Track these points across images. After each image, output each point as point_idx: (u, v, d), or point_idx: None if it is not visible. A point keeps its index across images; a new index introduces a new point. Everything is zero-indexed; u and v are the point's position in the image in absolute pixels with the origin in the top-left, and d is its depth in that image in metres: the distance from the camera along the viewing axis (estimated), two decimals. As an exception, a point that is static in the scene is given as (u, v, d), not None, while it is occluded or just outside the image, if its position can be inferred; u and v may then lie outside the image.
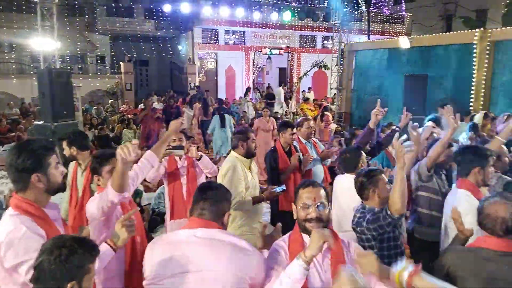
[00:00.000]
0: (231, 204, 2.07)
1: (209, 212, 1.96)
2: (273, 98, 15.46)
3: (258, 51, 20.34)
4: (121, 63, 18.87)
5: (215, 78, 20.02)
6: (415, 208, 3.46)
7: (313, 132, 5.24)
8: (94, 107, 14.83)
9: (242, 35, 20.03)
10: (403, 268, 1.72)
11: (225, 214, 2.02)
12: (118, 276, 2.40)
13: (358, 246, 2.13)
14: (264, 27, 19.56)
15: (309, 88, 18.52)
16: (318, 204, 1.99)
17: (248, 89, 16.83)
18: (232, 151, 3.64)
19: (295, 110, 14.64)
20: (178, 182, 3.81)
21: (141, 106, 14.47)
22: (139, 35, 19.74)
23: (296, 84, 16.64)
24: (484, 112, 7.21)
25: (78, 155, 3.61)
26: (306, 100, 15.28)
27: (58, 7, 10.16)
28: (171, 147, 3.40)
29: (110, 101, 17.03)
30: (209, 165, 3.88)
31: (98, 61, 20.63)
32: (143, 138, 9.31)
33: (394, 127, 4.36)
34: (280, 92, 16.43)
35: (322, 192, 2.06)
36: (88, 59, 20.14)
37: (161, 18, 19.02)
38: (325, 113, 11.25)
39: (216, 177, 3.76)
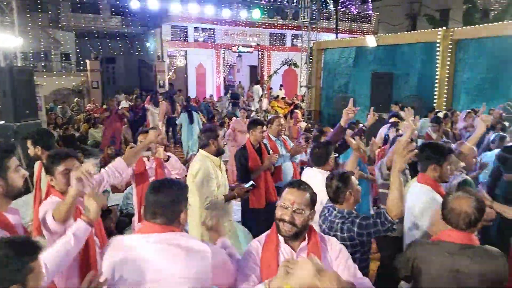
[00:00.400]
0: (187, 200, 1.94)
1: (163, 215, 1.82)
2: (237, 98, 15.45)
3: (229, 49, 20.29)
4: (87, 60, 18.36)
5: (185, 76, 19.82)
6: (379, 205, 3.57)
7: (283, 129, 5.29)
8: (59, 106, 14.34)
9: (212, 32, 19.90)
10: None
11: (181, 214, 1.87)
12: (79, 276, 2.32)
13: (336, 241, 2.08)
14: (234, 25, 19.52)
15: (281, 85, 18.63)
16: (295, 208, 1.90)
17: (280, 86, 16.84)
18: (201, 150, 3.58)
19: (266, 108, 14.70)
20: (147, 184, 3.73)
21: (89, 105, 14.13)
22: (105, 32, 19.27)
23: (266, 82, 16.69)
24: (444, 112, 7.46)
25: (43, 154, 3.48)
26: (276, 97, 15.37)
27: (18, 2, 9.76)
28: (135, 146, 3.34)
29: (75, 99, 16.55)
30: (177, 165, 3.83)
31: (63, 58, 19.97)
32: (106, 140, 8.98)
33: (361, 126, 4.45)
34: (258, 90, 16.50)
35: (306, 196, 1.94)
36: (53, 56, 19.44)
37: (128, 15, 18.63)
38: (295, 111, 11.37)
39: (185, 177, 3.73)
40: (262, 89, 16.74)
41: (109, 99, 9.32)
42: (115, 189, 6.12)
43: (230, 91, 16.43)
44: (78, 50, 19.91)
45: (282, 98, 16.00)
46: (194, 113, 9.48)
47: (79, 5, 18.39)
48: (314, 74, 13.92)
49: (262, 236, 2.05)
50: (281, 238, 1.95)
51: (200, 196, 3.38)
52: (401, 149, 2.32)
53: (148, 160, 3.78)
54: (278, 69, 14.91)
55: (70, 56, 19.98)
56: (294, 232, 1.90)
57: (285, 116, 11.98)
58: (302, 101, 14.71)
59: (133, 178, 3.78)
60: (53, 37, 18.85)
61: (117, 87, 19.77)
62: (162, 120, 10.61)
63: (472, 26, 9.86)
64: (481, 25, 9.83)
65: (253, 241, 2.05)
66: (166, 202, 1.83)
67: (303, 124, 10.35)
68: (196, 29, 19.42)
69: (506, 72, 8.81)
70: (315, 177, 3.18)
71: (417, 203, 2.67)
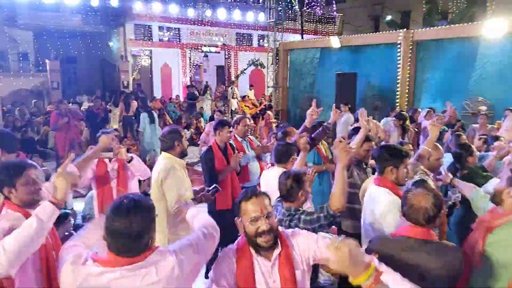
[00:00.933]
0: (155, 223, 1.77)
1: (132, 248, 1.64)
2: (194, 98, 15.32)
3: (195, 48, 20.07)
4: (46, 60, 17.63)
5: (150, 76, 19.44)
6: None
7: (249, 130, 5.28)
8: (17, 108, 13.71)
9: (178, 32, 19.62)
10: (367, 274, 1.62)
11: (151, 241, 1.71)
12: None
13: (298, 231, 2.09)
14: (200, 24, 19.33)
15: (251, 86, 18.60)
16: (266, 214, 1.89)
17: (206, 86, 16.62)
18: (165, 152, 3.47)
19: (234, 109, 14.68)
20: (108, 186, 3.62)
21: (50, 106, 13.40)
22: (65, 31, 18.56)
23: (233, 83, 16.65)
24: (404, 112, 7.68)
25: (3, 157, 3.30)
26: (243, 98, 15.37)
27: (-30, -1, 9.23)
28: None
29: (34, 101, 15.89)
30: (141, 167, 3.72)
31: (21, 58, 19.09)
32: (62, 148, 8.20)
33: (325, 124, 4.50)
34: (248, 95, 16.65)
35: (267, 200, 1.96)
36: (9, 56, 18.56)
37: (89, 13, 18.03)
38: (267, 112, 11.43)
39: (149, 179, 3.63)
40: (231, 89, 16.69)
41: (61, 103, 8.65)
42: (77, 193, 5.91)
43: (208, 89, 16.24)
44: (36, 50, 19.09)
45: (243, 97, 16.05)
46: (153, 112, 9.40)
47: (37, 3, 17.65)
48: (280, 74, 14.01)
49: (233, 249, 1.98)
50: (253, 251, 1.92)
51: (170, 200, 3.27)
52: (341, 147, 2.43)
53: (110, 161, 3.66)
54: (245, 69, 14.91)
55: (28, 56, 19.10)
56: (273, 238, 1.89)
57: (254, 117, 12.06)
58: (270, 101, 14.76)
59: (94, 181, 3.64)
60: (10, 36, 18.01)
61: (79, 88, 19.14)
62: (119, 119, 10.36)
63: (432, 28, 10.18)
64: (440, 27, 10.19)
65: (225, 253, 1.98)
66: (133, 232, 1.61)
67: (274, 125, 10.43)
68: (161, 28, 19.07)
69: (463, 72, 9.19)
70: (276, 175, 3.18)
71: (377, 205, 2.71)
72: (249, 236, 1.91)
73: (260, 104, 15.88)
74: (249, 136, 5.13)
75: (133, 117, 9.64)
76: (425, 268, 2.01)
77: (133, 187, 3.71)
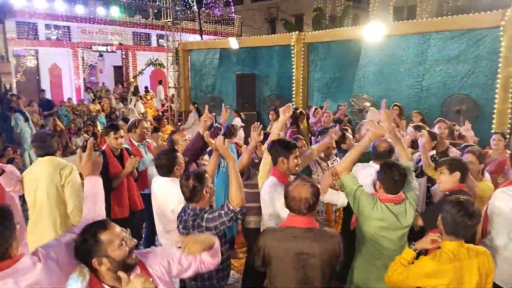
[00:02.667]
0: (12, 231, 1.70)
1: None
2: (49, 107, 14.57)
3: (88, 48, 18.83)
4: None
5: (37, 77, 17.77)
6: (246, 204, 3.79)
7: (147, 133, 5.14)
8: None
9: (67, 30, 18.22)
10: None
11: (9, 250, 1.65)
12: None
13: (147, 251, 2.05)
14: (92, 23, 18.19)
15: (160, 81, 17.96)
16: (124, 237, 1.83)
17: (146, 88, 15.78)
18: (51, 156, 3.34)
19: (140, 110, 14.15)
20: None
21: None
22: None
23: (131, 83, 16.02)
24: (299, 110, 8.16)
25: None
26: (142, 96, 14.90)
27: None
28: None
29: None
30: (11, 182, 3.36)
31: None
32: None
33: (217, 124, 4.60)
34: (160, 91, 16.23)
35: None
36: None
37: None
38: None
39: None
40: (128, 90, 16.02)
41: None
42: None
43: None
44: None
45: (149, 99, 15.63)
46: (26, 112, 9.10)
47: None
48: (182, 75, 13.85)
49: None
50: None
51: (72, 205, 3.28)
52: (219, 144, 2.64)
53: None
54: (144, 69, 14.44)
55: None
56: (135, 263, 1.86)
57: (156, 119, 11.74)
58: (172, 102, 14.51)
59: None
60: None
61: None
62: None
63: (320, 31, 10.93)
64: (327, 30, 10.97)
65: None
66: None
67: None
68: (47, 26, 17.53)
69: (349, 71, 10.02)
70: (163, 185, 3.21)
71: (264, 194, 2.92)
72: (117, 262, 1.77)
73: (163, 106, 15.55)
74: (147, 140, 5.01)
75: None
76: (309, 254, 2.19)
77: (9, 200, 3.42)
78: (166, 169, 3.27)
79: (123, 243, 1.78)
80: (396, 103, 7.65)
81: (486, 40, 7.91)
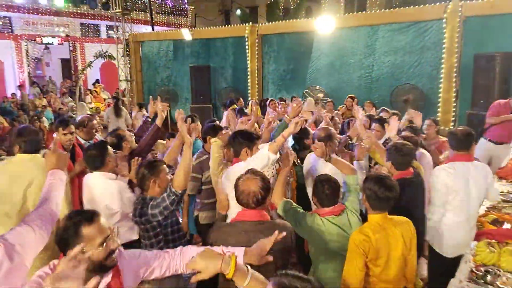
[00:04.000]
0: None
1: None
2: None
3: (32, 40, 17.82)
4: None
5: (-24, 72, 16.66)
6: (200, 200, 3.79)
7: (97, 131, 4.95)
8: None
9: (8, 21, 17.14)
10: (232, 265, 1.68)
11: None
12: None
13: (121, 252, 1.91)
14: (36, 13, 17.22)
15: (97, 80, 17.38)
16: (107, 235, 1.70)
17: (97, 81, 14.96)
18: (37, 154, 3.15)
19: (90, 104, 13.61)
20: None
21: None
22: None
23: (80, 76, 15.35)
24: (254, 100, 8.19)
25: None
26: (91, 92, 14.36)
27: None
28: None
29: None
30: None
31: None
32: None
33: (145, 118, 4.55)
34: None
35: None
36: None
37: None
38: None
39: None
40: (77, 84, 15.35)
41: None
42: None
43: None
44: None
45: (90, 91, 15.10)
46: None
47: None
48: (134, 67, 13.44)
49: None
50: None
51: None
52: (182, 126, 2.72)
53: None
54: (92, 62, 13.87)
55: None
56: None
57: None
58: (124, 95, 14.05)
59: None
60: None
61: None
62: None
63: (274, 22, 10.95)
64: (280, 22, 11.01)
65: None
66: None
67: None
68: (-15, 17, 16.45)
69: (302, 63, 10.15)
70: (97, 183, 3.04)
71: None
72: (91, 262, 1.60)
73: (113, 99, 15.02)
74: (96, 138, 4.81)
75: None
76: None
77: None
78: (96, 162, 3.08)
79: (105, 243, 1.64)
80: (350, 95, 7.89)
81: (431, 31, 8.27)
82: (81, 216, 1.67)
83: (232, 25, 14.62)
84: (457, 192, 3.12)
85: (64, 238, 1.64)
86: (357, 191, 2.79)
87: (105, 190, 2.97)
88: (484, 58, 7.01)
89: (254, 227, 2.21)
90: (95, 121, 4.77)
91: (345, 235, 2.52)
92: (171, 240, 2.72)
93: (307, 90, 9.92)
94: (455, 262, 2.98)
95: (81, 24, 19.44)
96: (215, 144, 3.24)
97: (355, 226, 2.57)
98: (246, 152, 3.03)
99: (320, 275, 2.61)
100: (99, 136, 4.92)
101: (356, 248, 2.33)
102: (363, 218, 2.64)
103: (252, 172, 2.32)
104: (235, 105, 7.88)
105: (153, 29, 15.49)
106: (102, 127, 7.69)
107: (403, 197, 2.72)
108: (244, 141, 3.05)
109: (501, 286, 2.58)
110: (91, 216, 1.68)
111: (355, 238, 2.36)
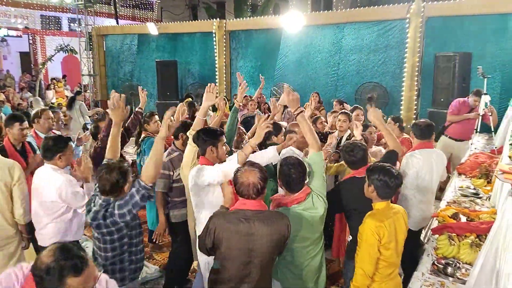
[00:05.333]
0: None
1: None
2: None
3: (-13, 31, 16.97)
4: None
5: None
6: (171, 198, 3.72)
7: (53, 124, 4.74)
8: None
9: (-38, 11, 16.25)
10: None
11: None
12: None
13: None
14: (-9, 4, 16.41)
15: (64, 76, 16.73)
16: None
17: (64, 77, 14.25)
18: None
19: (52, 100, 13.07)
20: None
21: None
22: None
23: (40, 70, 14.73)
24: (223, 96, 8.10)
25: None
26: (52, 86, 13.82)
27: None
28: None
29: None
30: None
31: None
32: None
33: (137, 109, 4.45)
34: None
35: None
36: None
37: None
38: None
39: None
40: (37, 78, 14.73)
41: None
42: None
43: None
44: None
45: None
46: None
47: None
48: (97, 62, 13.04)
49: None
50: None
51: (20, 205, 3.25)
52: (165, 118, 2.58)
53: None
54: (53, 55, 13.35)
55: None
56: None
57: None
58: (86, 90, 13.60)
59: None
60: None
61: None
62: None
63: (242, 19, 10.92)
64: (248, 18, 10.99)
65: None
66: None
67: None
68: None
69: (270, 60, 10.17)
70: (49, 176, 3.07)
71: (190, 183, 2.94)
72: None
73: (75, 93, 14.50)
74: (54, 131, 4.62)
75: None
76: (258, 235, 2.27)
77: None
78: (51, 153, 3.10)
79: None
80: (315, 91, 7.95)
81: (394, 31, 8.48)
82: (70, 263, 1.55)
83: (200, 20, 14.44)
84: (424, 175, 3.57)
85: (46, 280, 1.53)
86: (323, 170, 2.84)
87: (49, 183, 3.00)
88: (445, 57, 7.24)
89: (254, 215, 2.30)
90: (50, 113, 4.55)
91: (310, 214, 2.62)
92: (135, 244, 2.63)
93: (274, 87, 9.94)
94: (418, 234, 3.70)
95: (41, 16, 18.67)
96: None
97: (321, 207, 2.66)
98: (211, 150, 2.95)
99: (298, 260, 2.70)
100: (58, 133, 4.74)
101: (372, 235, 2.40)
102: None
103: (249, 164, 2.41)
104: (190, 98, 7.96)
105: (117, 23, 15.09)
106: (64, 124, 7.44)
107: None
108: (208, 139, 2.95)
109: (460, 277, 2.67)
110: (81, 268, 1.56)
111: (371, 225, 2.42)
